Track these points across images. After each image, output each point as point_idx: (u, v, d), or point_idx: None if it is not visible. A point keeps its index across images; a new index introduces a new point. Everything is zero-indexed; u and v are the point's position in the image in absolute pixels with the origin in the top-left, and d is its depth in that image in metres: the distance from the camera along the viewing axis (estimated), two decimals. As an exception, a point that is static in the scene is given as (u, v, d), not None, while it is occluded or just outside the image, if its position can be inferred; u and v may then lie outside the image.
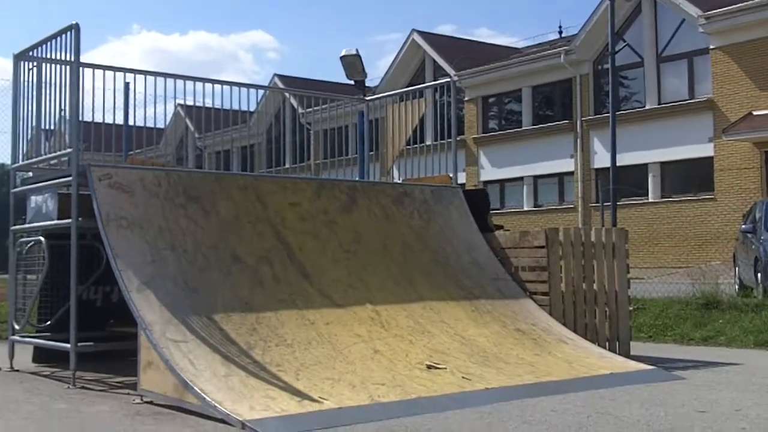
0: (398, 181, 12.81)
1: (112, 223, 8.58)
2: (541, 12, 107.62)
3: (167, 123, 14.67)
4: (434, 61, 43.27)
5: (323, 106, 14.60)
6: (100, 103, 10.36)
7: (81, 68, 9.58)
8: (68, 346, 9.04)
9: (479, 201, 12.23)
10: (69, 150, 9.48)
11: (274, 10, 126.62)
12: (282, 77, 48.82)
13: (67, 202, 9.38)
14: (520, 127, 39.97)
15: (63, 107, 9.85)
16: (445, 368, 8.42)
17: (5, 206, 11.34)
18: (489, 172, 40.65)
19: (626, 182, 32.17)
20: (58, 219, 9.67)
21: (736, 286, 19.24)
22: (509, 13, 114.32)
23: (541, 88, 39.85)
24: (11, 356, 10.46)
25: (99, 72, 10.49)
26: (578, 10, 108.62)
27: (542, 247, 10.82)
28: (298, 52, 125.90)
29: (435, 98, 14.56)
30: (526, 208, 39.09)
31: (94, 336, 9.98)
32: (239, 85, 12.46)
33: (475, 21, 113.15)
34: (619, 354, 10.47)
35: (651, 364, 9.68)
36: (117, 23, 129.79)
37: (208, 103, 12.27)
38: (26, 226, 10.60)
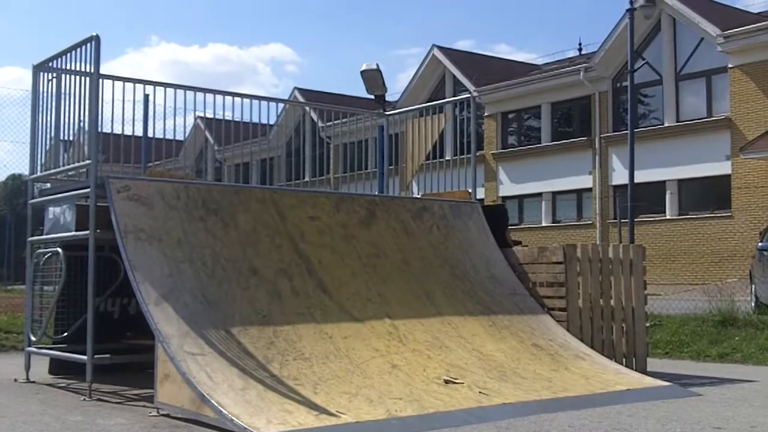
0: (417, 196, 12.79)
1: (130, 235, 8.58)
2: (560, 29, 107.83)
3: (186, 135, 14.69)
4: (454, 77, 43.32)
5: (343, 120, 14.62)
6: (120, 115, 10.38)
7: (101, 80, 9.59)
8: (85, 357, 9.03)
9: (498, 216, 12.21)
10: (88, 161, 9.48)
11: (294, 23, 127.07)
12: (302, 91, 48.89)
13: (85, 213, 9.37)
14: (539, 143, 39.98)
15: (82, 118, 9.87)
16: (463, 383, 8.41)
17: (23, 217, 11.37)
18: (508, 187, 40.65)
19: (644, 199, 32.17)
20: (76, 230, 9.67)
21: (753, 304, 19.17)
22: (528, 30, 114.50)
23: (560, 105, 39.87)
24: (27, 368, 10.47)
25: (118, 83, 10.49)
26: (597, 28, 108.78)
27: (560, 263, 10.80)
28: (317, 65, 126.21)
29: (455, 114, 14.56)
30: (544, 224, 39.07)
31: (110, 348, 9.99)
32: (259, 98, 12.46)
33: (494, 37, 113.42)
34: (636, 370, 10.43)
35: (667, 381, 9.65)
36: (136, 35, 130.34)
37: (228, 116, 12.29)
38: (44, 237, 10.61)
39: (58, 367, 10.90)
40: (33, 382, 10.31)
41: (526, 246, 12.21)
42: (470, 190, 12.47)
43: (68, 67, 10.00)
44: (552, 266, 10.92)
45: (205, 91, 11.65)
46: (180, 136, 12.67)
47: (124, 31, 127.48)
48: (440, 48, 44.62)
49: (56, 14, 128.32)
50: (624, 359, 10.89)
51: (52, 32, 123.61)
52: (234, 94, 12.31)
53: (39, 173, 10.69)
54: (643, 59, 35.09)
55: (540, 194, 39.31)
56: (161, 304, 8.07)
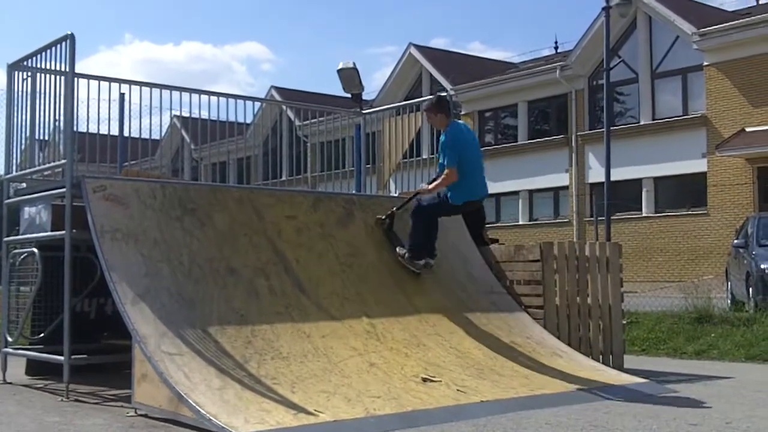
0: (395, 195, 12.79)
1: (106, 235, 8.55)
2: (534, 27, 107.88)
3: (163, 134, 14.64)
4: (431, 75, 43.30)
5: (320, 119, 14.59)
6: (95, 114, 10.37)
7: (76, 78, 9.55)
8: (62, 358, 9.00)
9: (475, 214, 12.22)
10: (63, 161, 9.47)
11: (269, 21, 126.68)
12: (279, 89, 48.78)
13: (60, 213, 9.35)
14: (516, 142, 40.03)
15: (57, 118, 9.83)
16: (441, 381, 8.42)
17: (-2, 217, 11.31)
18: (484, 186, 40.63)
19: (620, 197, 32.27)
20: (52, 231, 9.64)
21: (728, 301, 19.29)
22: (502, 28, 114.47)
23: (536, 103, 39.93)
24: (4, 369, 10.43)
25: (94, 82, 10.46)
26: (573, 26, 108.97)
27: (537, 260, 10.82)
28: (292, 64, 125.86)
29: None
30: (521, 222, 39.12)
31: (88, 348, 9.96)
32: (236, 97, 12.44)
33: (468, 35, 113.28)
34: (613, 367, 10.47)
35: (644, 378, 9.69)
36: (109, 33, 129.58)
37: (205, 115, 12.26)
38: (19, 237, 10.57)
39: (35, 368, 10.86)
40: (9, 383, 10.27)
41: (503, 244, 12.25)
42: (447, 189, 12.47)
43: (43, 66, 9.96)
44: (529, 264, 10.95)
45: (181, 89, 11.62)
46: (156, 136, 12.63)
47: (97, 28, 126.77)
48: (417, 46, 44.61)
49: (28, 12, 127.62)
50: (601, 356, 10.92)
51: (24, 30, 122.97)
52: (211, 93, 12.29)
53: (14, 173, 10.64)
54: (619, 57, 35.22)
55: (517, 192, 39.34)
56: (138, 303, 8.05)
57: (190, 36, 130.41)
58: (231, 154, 15.94)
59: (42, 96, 10.00)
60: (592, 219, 33.14)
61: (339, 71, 17.49)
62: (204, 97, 12.07)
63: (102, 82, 10.57)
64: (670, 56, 34.44)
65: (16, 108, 10.55)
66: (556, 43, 48.20)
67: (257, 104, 15.28)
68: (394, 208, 10.76)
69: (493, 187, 39.08)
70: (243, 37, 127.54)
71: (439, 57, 44.75)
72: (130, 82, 11.14)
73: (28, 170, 10.50)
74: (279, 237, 9.83)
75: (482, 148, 36.30)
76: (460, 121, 10.64)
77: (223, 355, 7.90)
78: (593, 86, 37.01)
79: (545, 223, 38.29)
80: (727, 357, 12.65)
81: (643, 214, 34.41)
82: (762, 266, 17.08)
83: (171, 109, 11.66)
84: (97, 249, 8.45)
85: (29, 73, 10.31)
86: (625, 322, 11.85)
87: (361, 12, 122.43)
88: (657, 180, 34.29)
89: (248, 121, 13.10)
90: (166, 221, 9.08)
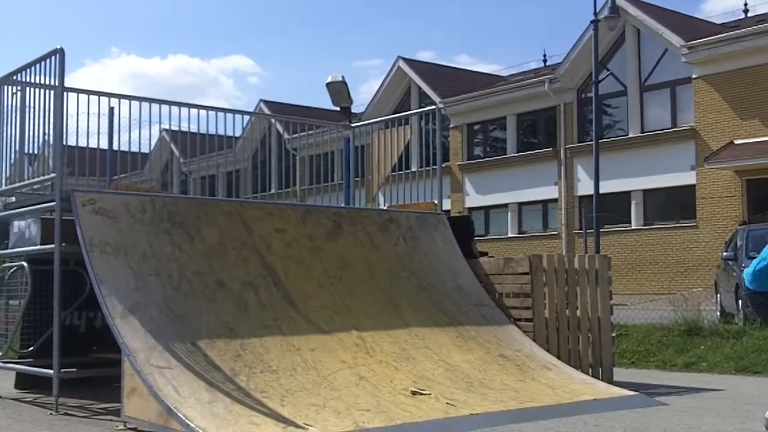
0: (384, 208, 12.80)
1: (95, 248, 8.55)
2: (522, 40, 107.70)
3: (152, 148, 14.63)
4: (419, 88, 43.30)
5: (309, 132, 14.61)
6: (84, 128, 10.36)
7: (65, 93, 9.55)
8: (51, 372, 8.99)
9: (464, 227, 12.24)
10: (53, 175, 9.45)
11: (255, 35, 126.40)
12: (268, 103, 48.76)
13: (50, 227, 9.34)
14: (505, 155, 40.00)
15: (47, 132, 9.83)
16: (430, 394, 8.42)
17: (-12, 231, 11.31)
18: (474, 198, 40.66)
19: (609, 209, 32.27)
20: (41, 244, 9.62)
21: (718, 313, 19.30)
22: (490, 41, 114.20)
23: (525, 116, 39.90)
24: (-7, 382, 10.42)
25: (83, 96, 10.46)
26: (560, 39, 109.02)
27: (526, 273, 10.84)
28: (279, 77, 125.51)
29: (420, 125, 14.58)
30: (510, 235, 39.07)
31: (77, 362, 9.93)
32: (225, 110, 12.45)
33: (455, 48, 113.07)
34: (602, 380, 10.48)
35: (634, 390, 9.70)
36: (95, 46, 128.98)
37: (194, 129, 12.26)
38: (9, 251, 10.55)
39: (24, 382, 10.84)
40: (-1, 396, 10.26)
41: (493, 257, 12.25)
42: (436, 202, 12.49)
43: (32, 80, 9.96)
44: (518, 277, 10.96)
45: (170, 103, 11.61)
46: (145, 149, 12.62)
47: (83, 42, 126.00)
48: (405, 60, 44.58)
49: (12, 24, 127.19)
50: (590, 369, 10.94)
51: (9, 43, 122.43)
52: (199, 107, 12.28)
53: (4, 187, 10.64)
54: (608, 70, 35.26)
55: (506, 205, 39.32)
56: (127, 317, 8.05)
57: (176, 49, 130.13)
58: (220, 168, 15.96)
59: (31, 110, 10.01)
60: (581, 231, 33.12)
61: (328, 85, 17.49)
62: (193, 111, 12.07)
63: (91, 96, 10.57)
64: (659, 69, 34.47)
65: (5, 122, 10.55)
66: (544, 56, 48.30)
67: (246, 118, 15.28)
68: None
69: (482, 200, 39.44)
70: (229, 50, 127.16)
71: (427, 70, 44.73)
72: (119, 96, 11.13)
73: (17, 184, 10.50)
74: (268, 250, 9.84)
75: (471, 162, 36.38)
76: None
77: (212, 369, 7.90)
78: (582, 99, 37.03)
79: (534, 235, 38.26)
80: (717, 369, 12.67)
81: (632, 227, 34.40)
82: (751, 278, 17.06)
83: (160, 123, 11.67)
84: (87, 262, 8.44)
85: (18, 88, 10.31)
86: (614, 334, 11.86)
87: (345, 25, 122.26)
88: (646, 192, 34.28)
89: (237, 134, 13.10)
90: (156, 235, 9.08)
